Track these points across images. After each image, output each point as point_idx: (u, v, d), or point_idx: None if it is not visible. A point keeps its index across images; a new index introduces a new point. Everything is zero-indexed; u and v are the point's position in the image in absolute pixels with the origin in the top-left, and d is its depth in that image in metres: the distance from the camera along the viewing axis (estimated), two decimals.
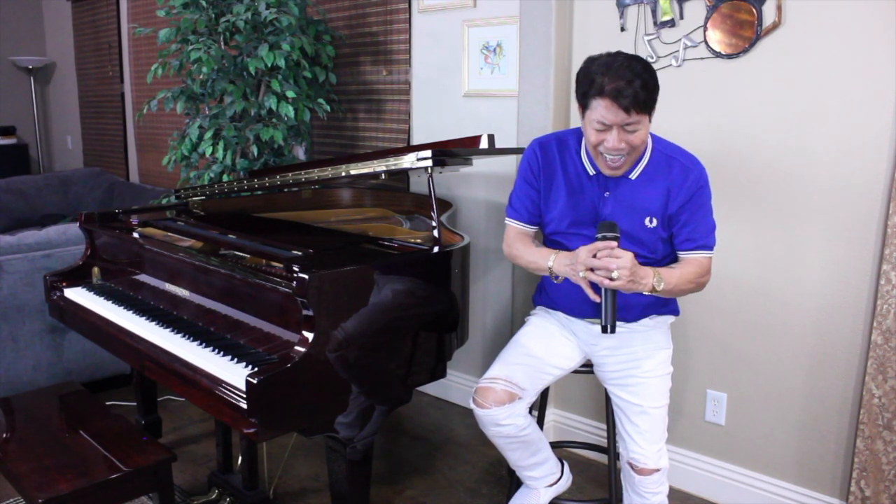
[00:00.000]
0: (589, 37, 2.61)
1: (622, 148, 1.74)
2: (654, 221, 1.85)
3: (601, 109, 1.70)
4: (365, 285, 1.73)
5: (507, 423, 1.93)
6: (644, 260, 1.84)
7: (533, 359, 2.00)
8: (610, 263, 1.67)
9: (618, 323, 1.88)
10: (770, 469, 2.39)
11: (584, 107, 1.77)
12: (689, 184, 1.83)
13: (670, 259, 1.92)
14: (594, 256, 1.70)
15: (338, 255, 1.89)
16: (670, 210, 1.85)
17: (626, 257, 1.67)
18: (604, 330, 1.69)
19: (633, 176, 1.85)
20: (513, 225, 2.02)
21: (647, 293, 1.77)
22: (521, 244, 1.99)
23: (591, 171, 1.89)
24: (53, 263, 3.01)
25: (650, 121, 1.76)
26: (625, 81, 1.66)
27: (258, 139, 3.12)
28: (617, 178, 1.85)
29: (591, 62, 1.75)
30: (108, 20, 5.36)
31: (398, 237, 2.12)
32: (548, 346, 2.03)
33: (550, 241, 1.99)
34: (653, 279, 1.74)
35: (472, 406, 1.97)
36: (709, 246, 1.86)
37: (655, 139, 1.90)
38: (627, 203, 1.86)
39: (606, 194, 1.87)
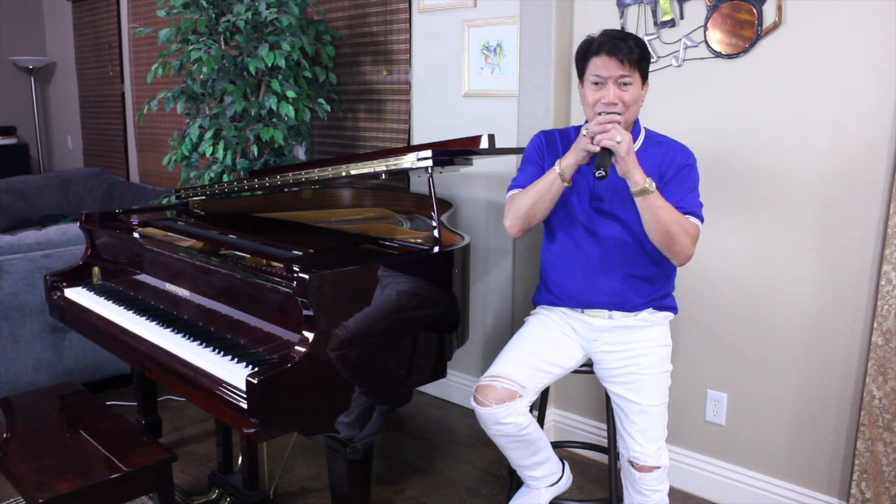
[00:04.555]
0: None
1: (616, 103, 1.83)
2: None
3: (598, 64, 1.85)
4: (365, 285, 1.73)
5: (507, 422, 1.93)
6: (632, 237, 1.92)
7: (534, 357, 2.00)
8: (614, 132, 1.75)
9: (617, 314, 2.00)
10: (770, 469, 2.39)
11: (582, 72, 1.91)
12: (678, 161, 1.91)
13: (651, 246, 1.92)
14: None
15: (338, 255, 1.89)
16: (660, 186, 1.88)
17: (627, 134, 1.76)
18: (597, 168, 1.75)
19: None
20: (512, 192, 2.02)
21: (636, 189, 1.77)
22: (521, 194, 1.98)
23: None
24: (53, 263, 3.01)
25: (643, 88, 1.89)
26: (619, 38, 1.85)
27: (258, 139, 3.12)
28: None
29: (590, 36, 1.93)
30: (108, 20, 5.36)
31: (398, 237, 2.12)
32: (548, 344, 2.04)
33: (550, 223, 2.03)
34: (646, 177, 1.77)
35: (473, 404, 1.97)
36: (697, 215, 1.89)
37: (647, 129, 2.00)
38: (619, 180, 1.90)
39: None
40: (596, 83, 1.86)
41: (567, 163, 1.85)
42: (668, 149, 1.93)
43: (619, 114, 1.81)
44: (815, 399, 2.27)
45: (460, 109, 3.07)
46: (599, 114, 1.82)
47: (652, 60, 2.44)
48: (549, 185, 1.89)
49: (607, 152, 1.76)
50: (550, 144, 2.03)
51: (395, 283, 1.78)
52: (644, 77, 1.88)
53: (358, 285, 1.71)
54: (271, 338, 1.78)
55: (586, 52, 1.89)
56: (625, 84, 1.84)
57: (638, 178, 1.76)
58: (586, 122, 1.98)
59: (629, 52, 1.82)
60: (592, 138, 1.77)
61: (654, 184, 1.78)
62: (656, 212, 1.79)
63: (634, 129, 1.95)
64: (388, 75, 3.37)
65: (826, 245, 2.19)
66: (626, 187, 1.90)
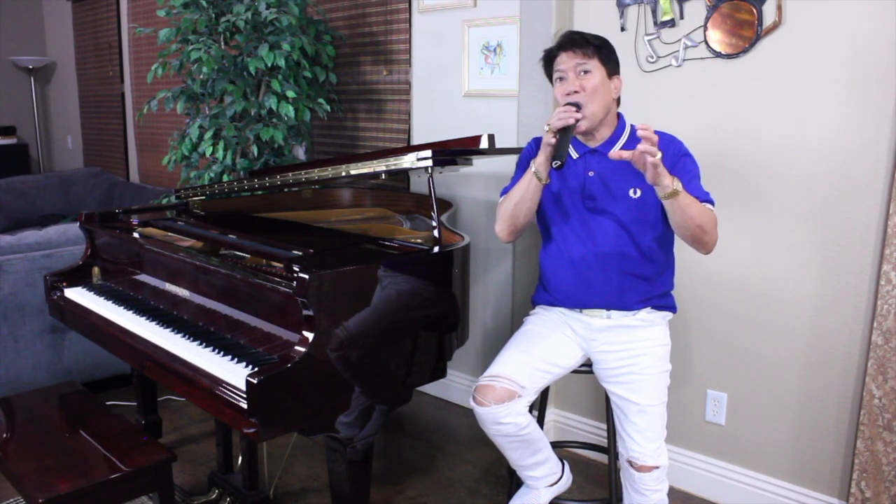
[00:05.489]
0: None
1: (577, 92, 1.87)
2: (638, 192, 1.91)
3: (558, 63, 1.92)
4: (365, 285, 1.73)
5: (507, 422, 1.93)
6: (627, 235, 1.93)
7: (533, 357, 2.00)
8: (569, 116, 1.80)
9: (615, 314, 2.00)
10: (770, 469, 2.39)
11: (551, 75, 1.97)
12: (672, 151, 1.91)
13: (652, 238, 1.94)
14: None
15: (338, 255, 1.88)
16: None
17: (657, 150, 1.71)
18: (553, 159, 1.77)
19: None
20: (501, 198, 2.04)
21: (666, 193, 1.74)
22: (505, 198, 2.01)
23: (575, 155, 1.99)
24: (53, 263, 3.01)
25: (610, 80, 1.91)
26: (574, 34, 1.93)
27: (258, 139, 3.12)
28: (597, 157, 1.95)
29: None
30: (108, 20, 5.36)
31: (398, 237, 2.12)
32: (548, 344, 2.04)
33: (543, 221, 2.05)
34: (673, 178, 1.75)
35: (472, 404, 1.97)
36: (710, 200, 1.89)
37: (633, 126, 1.98)
38: (610, 178, 1.94)
39: (591, 173, 1.96)
40: (560, 79, 1.91)
41: (539, 160, 1.88)
42: (660, 142, 1.91)
43: (577, 105, 1.83)
44: (815, 399, 2.27)
45: (460, 109, 3.07)
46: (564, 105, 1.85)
47: (651, 61, 2.46)
48: (527, 186, 1.92)
49: (563, 143, 1.78)
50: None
51: (395, 283, 1.78)
52: (609, 69, 1.91)
53: (358, 285, 1.71)
54: (271, 338, 1.78)
55: (549, 58, 1.96)
56: (583, 72, 1.88)
57: (667, 183, 1.74)
58: None
59: (583, 42, 1.89)
60: (553, 132, 1.80)
61: (680, 183, 1.77)
62: (687, 209, 1.78)
63: (619, 125, 1.97)
64: (388, 75, 3.37)
65: (826, 245, 2.19)
66: (618, 186, 1.92)
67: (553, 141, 1.81)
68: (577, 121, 1.82)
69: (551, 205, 2.00)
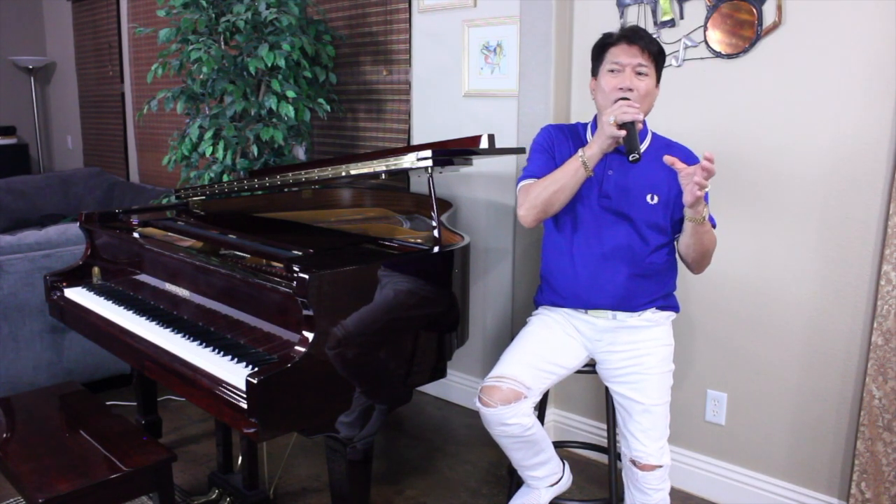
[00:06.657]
0: (589, 37, 2.60)
1: (632, 88, 1.85)
2: (656, 199, 1.92)
3: (617, 52, 1.88)
4: (365, 285, 1.73)
5: (512, 423, 1.93)
6: (638, 237, 1.93)
7: (537, 358, 2.00)
8: (634, 111, 1.76)
9: (621, 314, 2.00)
10: (770, 469, 2.39)
11: (598, 65, 1.94)
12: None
13: (661, 242, 1.95)
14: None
15: (338, 254, 1.88)
16: (676, 190, 1.89)
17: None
18: (629, 153, 1.75)
19: None
20: (527, 182, 1.98)
21: (699, 217, 1.76)
22: (538, 183, 1.94)
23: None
24: (53, 263, 3.01)
25: (656, 87, 1.92)
26: (640, 30, 1.92)
27: (258, 139, 3.12)
28: (618, 157, 1.93)
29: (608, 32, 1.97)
30: (108, 20, 5.36)
31: (398, 237, 2.12)
32: (552, 345, 2.04)
33: (557, 219, 2.02)
34: (705, 208, 1.77)
35: (478, 405, 1.97)
36: (714, 224, 1.91)
37: (654, 132, 2.01)
38: (629, 180, 1.93)
39: (610, 172, 1.95)
40: (613, 70, 1.88)
41: (591, 152, 1.83)
42: (678, 153, 1.90)
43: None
44: (814, 399, 2.27)
45: (460, 109, 3.07)
46: (618, 100, 1.81)
47: None
48: (574, 174, 1.86)
49: (633, 136, 1.75)
50: (559, 136, 2.04)
51: (394, 283, 1.78)
52: (658, 76, 1.92)
53: (358, 285, 1.71)
54: (271, 338, 1.78)
55: (604, 44, 1.93)
56: (640, 74, 1.86)
57: (700, 209, 1.76)
58: (594, 117, 1.99)
59: (650, 42, 1.88)
60: (618, 124, 1.76)
61: (708, 212, 1.79)
62: (703, 237, 1.82)
63: (643, 130, 1.95)
64: (388, 75, 3.37)
65: (826, 245, 2.19)
66: (635, 189, 1.92)
67: (619, 134, 1.76)
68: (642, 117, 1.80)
69: None
